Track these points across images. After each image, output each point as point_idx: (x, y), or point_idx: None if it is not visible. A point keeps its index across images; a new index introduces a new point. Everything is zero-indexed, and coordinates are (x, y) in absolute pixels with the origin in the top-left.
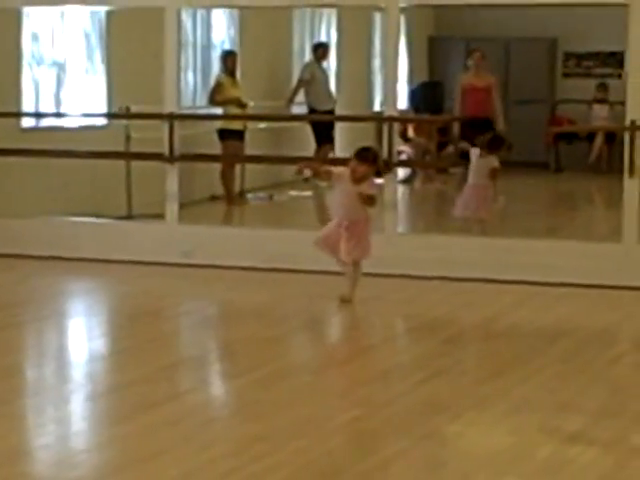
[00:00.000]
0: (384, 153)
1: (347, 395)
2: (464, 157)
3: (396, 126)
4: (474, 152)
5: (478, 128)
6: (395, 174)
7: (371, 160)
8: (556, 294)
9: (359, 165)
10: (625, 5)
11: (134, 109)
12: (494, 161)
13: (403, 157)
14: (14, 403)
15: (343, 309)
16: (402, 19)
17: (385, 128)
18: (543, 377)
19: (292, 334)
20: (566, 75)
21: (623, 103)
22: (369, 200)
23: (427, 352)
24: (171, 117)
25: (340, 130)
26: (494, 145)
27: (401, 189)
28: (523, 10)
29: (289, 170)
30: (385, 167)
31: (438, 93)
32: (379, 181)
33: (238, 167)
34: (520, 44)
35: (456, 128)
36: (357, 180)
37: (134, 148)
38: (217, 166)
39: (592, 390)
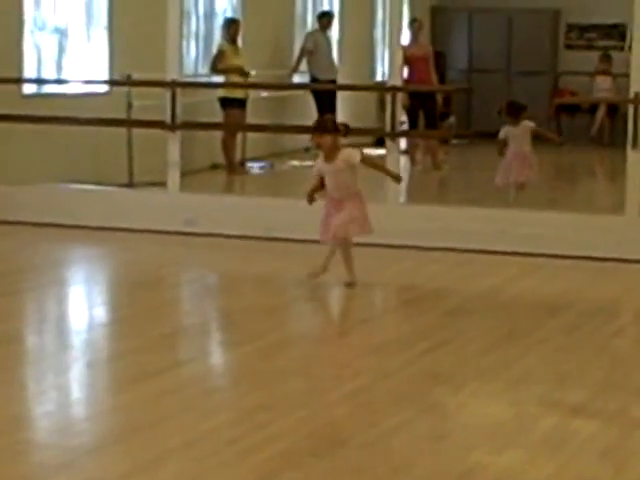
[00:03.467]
0: (387, 123)
1: (349, 366)
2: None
3: (399, 96)
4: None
5: (422, 97)
6: (397, 145)
7: (332, 127)
8: (558, 266)
9: (322, 137)
10: None
11: (136, 76)
12: (528, 124)
13: (405, 127)
14: (14, 371)
15: (344, 279)
16: None
17: (388, 98)
18: (545, 349)
19: (293, 304)
20: (569, 47)
21: (626, 75)
22: (364, 161)
23: (429, 323)
24: (173, 85)
25: (342, 99)
26: (512, 111)
27: (403, 160)
28: None
29: (290, 139)
30: (345, 128)
31: (440, 63)
32: (380, 151)
33: (239, 136)
34: (523, 16)
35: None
36: (329, 154)
37: (135, 116)
38: (218, 135)
39: (594, 362)
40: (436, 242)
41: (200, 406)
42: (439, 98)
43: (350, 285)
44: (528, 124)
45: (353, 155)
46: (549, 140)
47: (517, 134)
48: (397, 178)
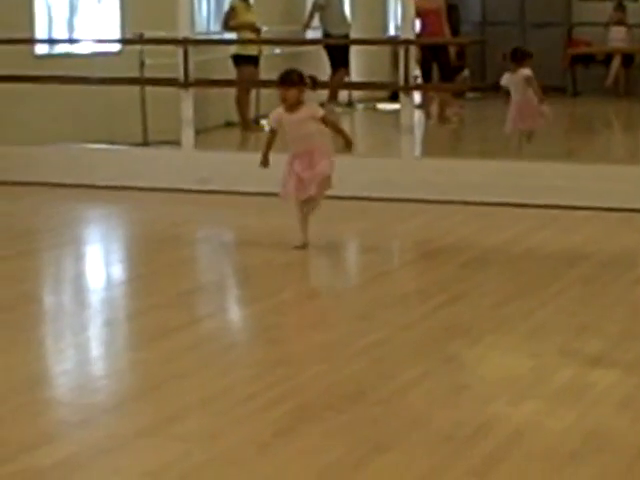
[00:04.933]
0: (400, 77)
1: (366, 319)
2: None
3: (413, 50)
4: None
5: (434, 51)
6: (412, 98)
7: (297, 80)
8: (575, 217)
9: (288, 90)
10: None
11: (148, 35)
12: (525, 71)
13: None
14: (33, 330)
15: (361, 233)
16: None
17: (401, 52)
18: (563, 300)
19: (309, 259)
20: None
21: None
22: (325, 120)
23: (446, 276)
24: (185, 42)
25: (355, 54)
26: (517, 57)
27: (417, 114)
28: None
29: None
30: (312, 82)
31: (454, 16)
32: (395, 106)
33: (253, 93)
34: None
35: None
36: (292, 107)
37: (148, 74)
38: (232, 92)
39: (612, 313)
40: (452, 195)
41: (218, 362)
42: (452, 51)
43: (302, 247)
44: (523, 72)
45: (316, 109)
46: (536, 93)
47: (515, 82)
48: (349, 145)
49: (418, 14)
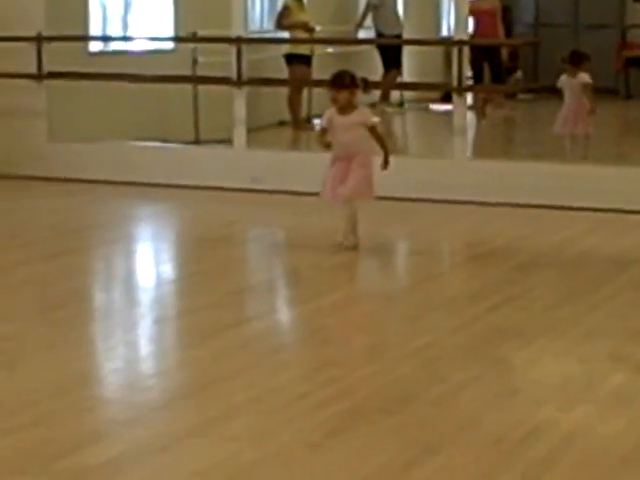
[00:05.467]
0: (453, 78)
1: (416, 321)
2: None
3: (466, 50)
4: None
5: (486, 52)
6: (464, 99)
7: (349, 83)
8: (627, 221)
9: (339, 92)
10: None
11: (201, 33)
12: (584, 77)
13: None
14: (84, 327)
15: (411, 235)
16: None
17: (454, 53)
18: (614, 304)
19: (359, 260)
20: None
21: None
22: (374, 130)
23: (497, 279)
24: (238, 41)
25: (408, 54)
26: (575, 60)
27: (470, 115)
28: None
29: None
30: (364, 84)
31: (507, 17)
32: (447, 107)
33: (305, 92)
34: None
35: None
36: (343, 109)
37: (201, 73)
38: (284, 91)
39: None
40: (503, 197)
41: (268, 362)
42: (504, 53)
43: (347, 248)
44: (584, 77)
45: (369, 116)
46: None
47: (572, 85)
48: (386, 164)
49: (472, 14)
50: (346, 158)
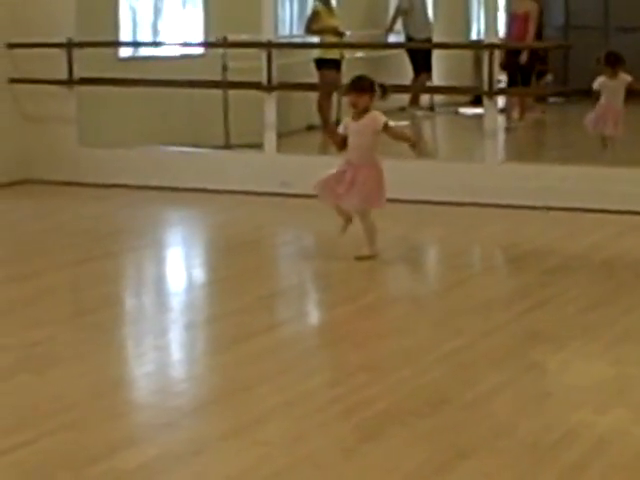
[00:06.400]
0: (484, 82)
1: (448, 325)
2: None
3: (497, 54)
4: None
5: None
6: (495, 103)
7: (369, 87)
8: None
9: (359, 97)
10: None
11: (231, 38)
12: (626, 77)
13: (502, 85)
14: (114, 332)
15: (443, 238)
16: None
17: (485, 56)
18: None
19: (390, 264)
20: None
21: None
22: (388, 128)
23: (529, 282)
24: (269, 46)
25: (437, 58)
26: (611, 61)
27: (500, 118)
28: None
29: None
30: (382, 90)
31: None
32: (477, 110)
33: (335, 97)
34: None
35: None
36: (359, 114)
37: (231, 78)
38: (314, 96)
39: None
40: (534, 201)
41: (299, 366)
42: (524, 55)
43: (362, 259)
44: (626, 77)
45: (380, 118)
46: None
47: (611, 86)
48: (413, 145)
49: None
50: (353, 166)
